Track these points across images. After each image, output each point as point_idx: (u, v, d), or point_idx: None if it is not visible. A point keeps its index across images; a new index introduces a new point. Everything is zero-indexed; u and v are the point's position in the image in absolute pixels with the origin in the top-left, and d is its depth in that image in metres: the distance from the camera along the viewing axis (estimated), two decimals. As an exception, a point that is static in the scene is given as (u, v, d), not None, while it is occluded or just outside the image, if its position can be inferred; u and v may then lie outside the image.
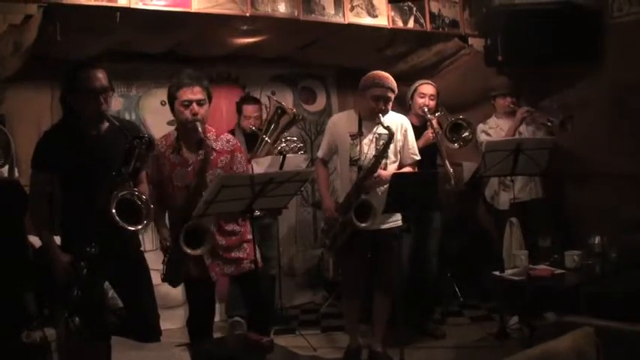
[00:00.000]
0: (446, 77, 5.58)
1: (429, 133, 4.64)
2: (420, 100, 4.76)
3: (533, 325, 4.22)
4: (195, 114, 3.47)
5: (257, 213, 4.22)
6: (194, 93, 3.48)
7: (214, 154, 3.56)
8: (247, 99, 5.34)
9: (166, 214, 3.74)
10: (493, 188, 5.19)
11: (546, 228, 4.94)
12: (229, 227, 3.65)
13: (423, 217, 4.74)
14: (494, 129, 5.08)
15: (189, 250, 3.40)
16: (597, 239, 4.36)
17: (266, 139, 4.87)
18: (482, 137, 4.97)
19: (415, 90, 4.80)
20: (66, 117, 3.28)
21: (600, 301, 3.70)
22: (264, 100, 5.62)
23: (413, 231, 4.60)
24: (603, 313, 2.89)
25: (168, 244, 3.53)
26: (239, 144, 3.81)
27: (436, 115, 4.75)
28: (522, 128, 5.00)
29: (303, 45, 5.37)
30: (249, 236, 3.63)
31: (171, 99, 3.54)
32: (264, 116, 5.28)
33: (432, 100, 4.76)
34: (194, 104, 3.48)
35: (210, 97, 3.58)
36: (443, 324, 5.13)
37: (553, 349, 2.28)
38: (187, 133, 3.55)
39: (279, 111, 4.92)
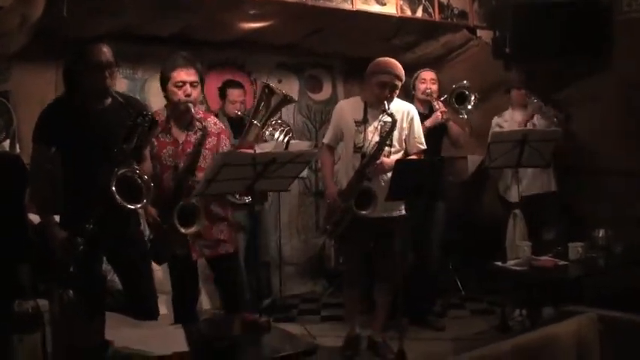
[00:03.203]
0: (454, 68, 5.55)
1: (437, 113, 4.67)
2: (422, 86, 4.83)
3: (534, 316, 4.19)
4: (188, 95, 3.51)
5: (246, 200, 4.19)
6: (188, 75, 3.53)
7: None
8: (231, 83, 5.25)
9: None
10: (506, 181, 5.16)
11: (552, 221, 4.93)
12: (214, 210, 3.66)
13: (426, 206, 4.70)
14: (509, 122, 5.07)
15: (182, 229, 3.38)
16: (602, 232, 4.31)
17: (255, 122, 4.73)
18: (496, 130, 4.95)
19: (416, 78, 4.87)
20: (68, 92, 3.25)
21: (603, 294, 3.67)
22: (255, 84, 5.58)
23: (414, 220, 4.56)
24: (605, 306, 2.86)
25: (157, 221, 3.51)
26: (224, 127, 3.85)
27: (440, 98, 4.79)
28: (536, 121, 4.98)
29: (310, 32, 5.34)
30: (230, 220, 3.74)
31: (164, 79, 3.56)
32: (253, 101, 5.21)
33: (433, 84, 4.82)
34: (187, 85, 3.52)
35: (202, 81, 3.62)
36: (443, 316, 5.12)
37: (554, 333, 2.25)
38: (178, 113, 3.58)
39: (266, 91, 4.76)
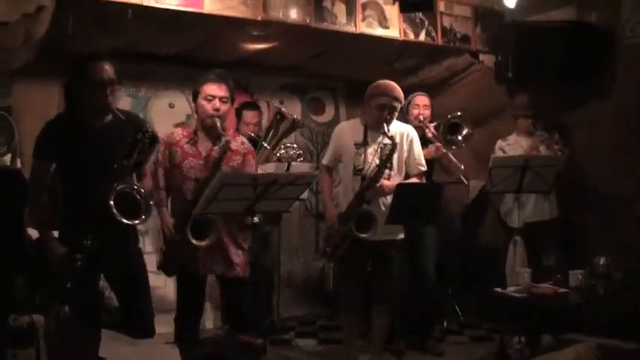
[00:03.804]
0: (457, 93, 5.56)
1: (432, 147, 4.65)
2: (415, 111, 4.81)
3: (534, 344, 4.15)
4: (216, 109, 3.59)
5: (256, 220, 4.19)
6: (220, 90, 3.61)
7: (229, 152, 3.62)
8: (247, 105, 5.29)
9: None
10: (508, 205, 5.13)
11: (552, 247, 4.90)
12: (236, 232, 3.68)
13: (418, 231, 4.63)
14: (512, 145, 5.04)
15: (195, 241, 3.40)
16: (602, 260, 4.28)
17: (265, 145, 4.76)
18: (499, 155, 4.94)
19: (409, 102, 4.82)
20: (69, 109, 3.26)
21: (602, 322, 3.64)
22: (265, 106, 5.62)
23: (407, 245, 4.53)
24: (605, 334, 2.83)
25: (171, 232, 3.53)
26: (252, 148, 3.88)
27: (432, 124, 4.77)
28: (542, 149, 4.96)
29: (313, 54, 5.36)
30: (246, 245, 3.74)
31: (196, 93, 3.66)
32: (265, 123, 5.25)
33: (426, 109, 4.81)
34: (217, 100, 3.60)
35: (233, 99, 3.71)
36: (442, 342, 5.05)
37: (554, 360, 2.23)
38: (205, 127, 3.65)
39: (278, 116, 4.82)
